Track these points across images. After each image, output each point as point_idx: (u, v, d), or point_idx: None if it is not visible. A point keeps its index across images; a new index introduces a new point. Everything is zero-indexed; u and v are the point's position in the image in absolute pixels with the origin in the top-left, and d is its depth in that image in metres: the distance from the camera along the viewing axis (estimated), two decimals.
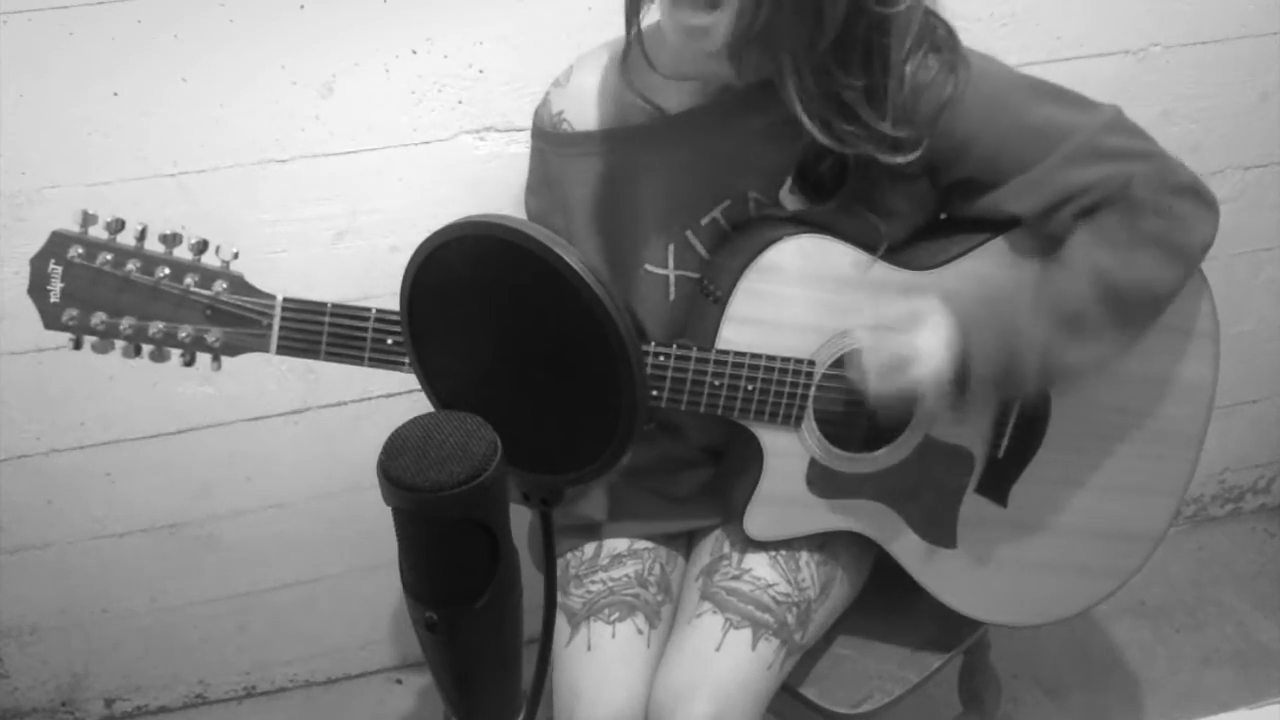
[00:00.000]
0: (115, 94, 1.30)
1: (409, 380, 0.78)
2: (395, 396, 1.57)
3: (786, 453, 1.15)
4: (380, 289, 1.47)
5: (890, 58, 1.00)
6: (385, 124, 1.38)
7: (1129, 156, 1.08)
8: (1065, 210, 1.09)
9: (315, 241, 1.43)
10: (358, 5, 1.31)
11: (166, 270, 1.01)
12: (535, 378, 0.68)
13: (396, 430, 0.61)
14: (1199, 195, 1.09)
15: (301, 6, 1.29)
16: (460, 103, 1.39)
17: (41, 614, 1.65)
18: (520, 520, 0.69)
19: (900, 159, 1.03)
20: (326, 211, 1.42)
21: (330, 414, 1.57)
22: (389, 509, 0.61)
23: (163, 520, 1.61)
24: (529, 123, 1.20)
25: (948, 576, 1.23)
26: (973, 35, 1.06)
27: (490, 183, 1.43)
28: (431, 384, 0.72)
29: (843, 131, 1.01)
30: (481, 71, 1.38)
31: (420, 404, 0.71)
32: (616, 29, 1.10)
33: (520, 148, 1.35)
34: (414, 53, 1.35)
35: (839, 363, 1.12)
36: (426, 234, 0.67)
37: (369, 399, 1.57)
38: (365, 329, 1.04)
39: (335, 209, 1.42)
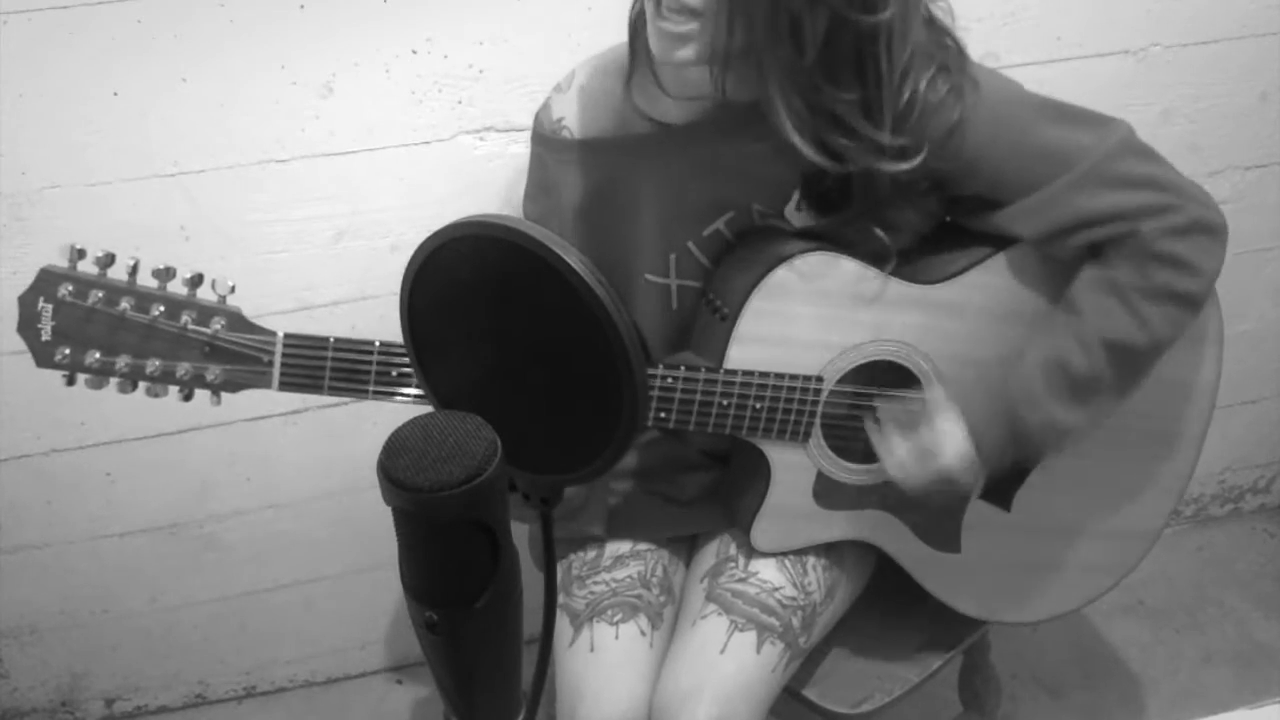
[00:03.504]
0: (115, 94, 1.30)
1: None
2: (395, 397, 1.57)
3: (793, 467, 1.15)
4: (380, 289, 1.47)
5: (882, 66, 0.97)
6: (385, 124, 1.38)
7: (1136, 185, 1.06)
8: (1071, 239, 1.08)
9: (315, 241, 1.43)
10: (358, 5, 1.31)
11: (161, 308, 0.98)
12: (535, 377, 0.68)
13: (396, 430, 0.61)
14: (1206, 228, 1.07)
15: (301, 6, 1.29)
16: (460, 103, 1.39)
17: (41, 614, 1.65)
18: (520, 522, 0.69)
19: (904, 166, 1.01)
20: (326, 211, 1.42)
21: (330, 414, 1.57)
22: (389, 509, 0.61)
23: (163, 520, 1.61)
24: (529, 123, 1.20)
25: (950, 579, 1.23)
26: (973, 35, 1.06)
27: (490, 183, 1.43)
28: (432, 384, 0.72)
29: (840, 146, 0.99)
30: (481, 71, 1.37)
31: (420, 404, 0.70)
32: (616, 28, 1.10)
33: (520, 148, 1.35)
34: (414, 53, 1.35)
35: (846, 378, 1.12)
36: (426, 234, 0.67)
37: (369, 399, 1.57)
38: (369, 362, 1.02)
39: (335, 209, 1.42)
